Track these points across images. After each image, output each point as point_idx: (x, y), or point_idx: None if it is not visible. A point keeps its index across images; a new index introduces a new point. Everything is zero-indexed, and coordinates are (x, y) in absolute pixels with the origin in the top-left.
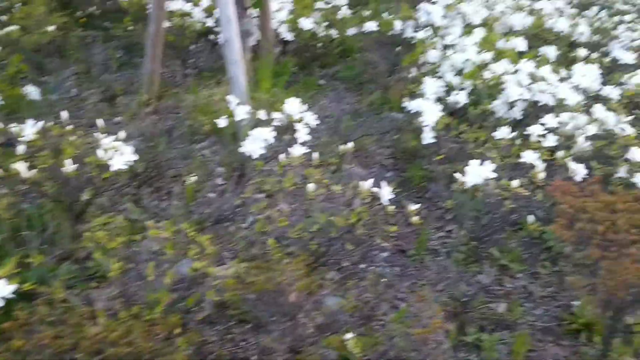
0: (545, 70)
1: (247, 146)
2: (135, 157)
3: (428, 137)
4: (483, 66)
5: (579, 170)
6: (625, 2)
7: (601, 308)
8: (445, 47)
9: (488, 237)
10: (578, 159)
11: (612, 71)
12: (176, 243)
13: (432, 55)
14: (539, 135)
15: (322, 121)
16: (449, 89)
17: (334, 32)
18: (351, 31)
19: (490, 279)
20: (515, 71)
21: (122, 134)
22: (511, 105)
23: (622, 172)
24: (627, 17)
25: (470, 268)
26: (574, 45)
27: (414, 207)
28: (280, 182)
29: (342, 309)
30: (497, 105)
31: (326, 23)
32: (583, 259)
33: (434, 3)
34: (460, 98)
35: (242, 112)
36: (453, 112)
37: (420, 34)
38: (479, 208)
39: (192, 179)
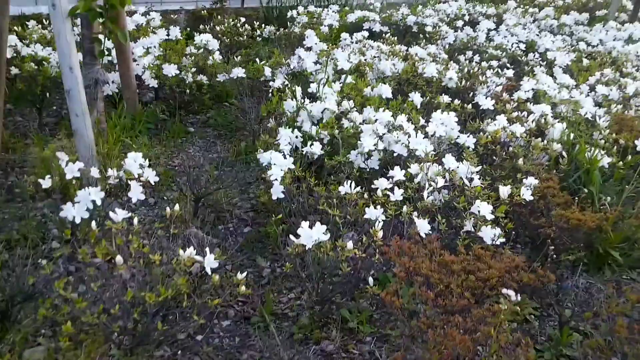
0: (401, 119)
1: (68, 210)
2: None
3: (277, 192)
4: (344, 114)
5: (423, 226)
6: (496, 47)
7: None
8: (310, 95)
9: (336, 298)
10: (425, 212)
11: (474, 117)
12: None
13: (289, 104)
14: (386, 189)
15: (185, 171)
16: (306, 139)
17: (204, 78)
18: (222, 77)
19: (335, 346)
20: (375, 120)
21: None
22: (369, 155)
23: (468, 226)
24: (494, 63)
25: (315, 334)
26: (443, 91)
27: (241, 275)
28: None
29: None
30: (354, 157)
31: (194, 69)
32: (414, 329)
33: (309, 49)
34: (315, 149)
35: (72, 170)
36: (311, 164)
37: (277, 82)
38: (320, 270)
39: None
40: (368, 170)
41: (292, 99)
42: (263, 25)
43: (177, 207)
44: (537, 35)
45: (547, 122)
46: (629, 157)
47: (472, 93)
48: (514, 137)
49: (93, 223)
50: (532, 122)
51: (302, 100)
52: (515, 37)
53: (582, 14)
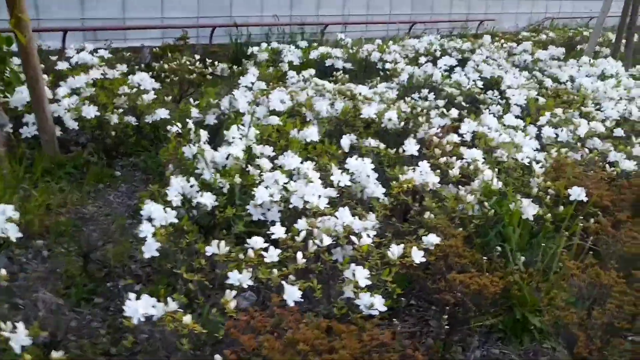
0: (307, 166)
1: None
2: None
3: (150, 249)
4: (251, 160)
5: (291, 293)
6: (452, 85)
7: None
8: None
9: None
10: (302, 276)
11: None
12: None
13: (188, 150)
14: (261, 249)
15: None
16: (202, 189)
17: (133, 119)
18: (152, 118)
19: None
20: (277, 167)
21: None
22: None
23: (348, 292)
24: (440, 102)
25: None
26: (383, 133)
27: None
28: None
29: None
30: (251, 209)
31: (121, 110)
32: None
33: (249, 89)
34: (205, 200)
35: None
36: (212, 216)
37: (174, 128)
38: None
39: None
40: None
41: (193, 145)
42: (217, 62)
43: None
44: (506, 72)
45: (476, 169)
46: (561, 207)
47: (413, 135)
48: (429, 187)
49: None
50: (457, 169)
51: (203, 146)
52: (478, 74)
53: (560, 48)
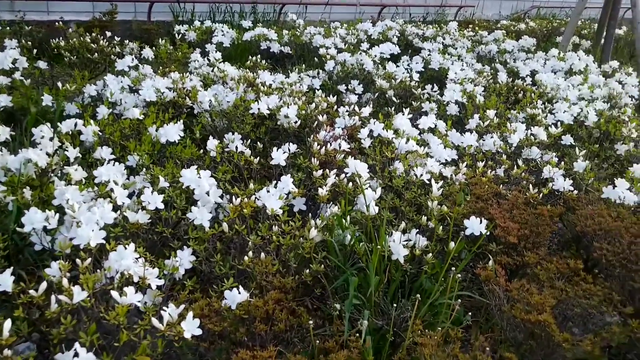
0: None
1: None
2: None
3: None
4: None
5: None
6: (384, 76)
7: None
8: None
9: None
10: None
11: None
12: None
13: None
14: None
15: None
16: None
17: None
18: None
19: None
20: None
21: None
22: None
23: None
24: (369, 96)
25: None
26: (278, 133)
27: None
28: None
29: None
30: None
31: None
32: None
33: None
34: None
35: None
36: None
37: None
38: None
39: None
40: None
41: None
42: (127, 41)
43: None
44: (452, 63)
45: (356, 186)
46: (451, 244)
47: (313, 136)
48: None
49: None
50: (327, 187)
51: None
52: (423, 64)
53: (532, 39)
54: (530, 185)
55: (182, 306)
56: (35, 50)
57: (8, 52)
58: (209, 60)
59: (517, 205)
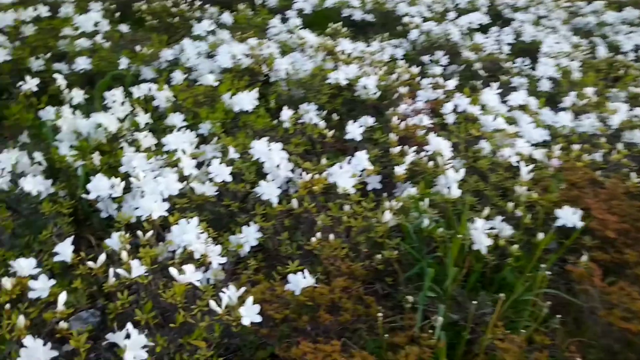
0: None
1: None
2: None
3: None
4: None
5: None
6: (472, 48)
7: None
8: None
9: None
10: None
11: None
12: None
13: (48, 113)
14: None
15: None
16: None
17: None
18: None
19: None
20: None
21: None
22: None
23: None
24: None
25: None
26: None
27: None
28: None
29: None
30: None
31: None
32: None
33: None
34: (30, 186)
35: None
36: None
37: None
38: None
39: None
40: None
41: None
42: (207, 6)
43: None
44: (547, 35)
45: (437, 166)
46: (540, 235)
47: (393, 109)
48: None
49: None
50: (404, 165)
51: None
52: (514, 36)
53: (638, 10)
54: (632, 173)
55: (243, 288)
56: (118, 14)
57: (90, 15)
58: (288, 26)
59: (616, 194)
